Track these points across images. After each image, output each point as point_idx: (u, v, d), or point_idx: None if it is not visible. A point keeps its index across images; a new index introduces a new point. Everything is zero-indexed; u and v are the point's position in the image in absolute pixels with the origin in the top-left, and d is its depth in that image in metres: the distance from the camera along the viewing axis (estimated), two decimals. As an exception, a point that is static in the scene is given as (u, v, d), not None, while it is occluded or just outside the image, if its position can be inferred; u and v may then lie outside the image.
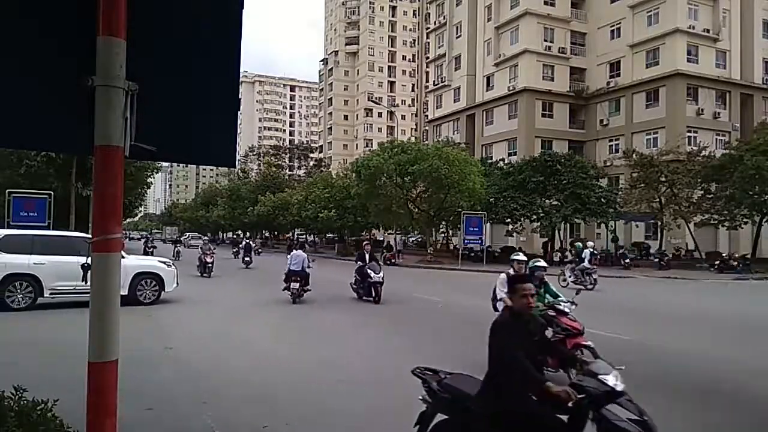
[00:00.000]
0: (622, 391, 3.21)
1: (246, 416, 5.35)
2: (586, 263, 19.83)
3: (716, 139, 38.78)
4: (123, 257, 12.58)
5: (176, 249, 34.09)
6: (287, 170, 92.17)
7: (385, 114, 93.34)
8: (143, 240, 48.55)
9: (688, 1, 39.14)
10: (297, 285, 13.87)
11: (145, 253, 29.86)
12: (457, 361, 8.14)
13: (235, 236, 72.56)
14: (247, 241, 34.44)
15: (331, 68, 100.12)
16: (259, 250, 38.63)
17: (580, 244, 24.35)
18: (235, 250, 37.63)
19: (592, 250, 21.81)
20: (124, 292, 12.55)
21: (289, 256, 14.71)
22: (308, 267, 14.39)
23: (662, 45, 39.29)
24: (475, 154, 44.19)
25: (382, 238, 52.39)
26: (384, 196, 33.23)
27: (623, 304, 15.65)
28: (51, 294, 11.78)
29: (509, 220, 34.36)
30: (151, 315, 11.44)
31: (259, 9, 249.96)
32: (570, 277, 19.71)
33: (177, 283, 13.77)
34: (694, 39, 39.15)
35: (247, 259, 27.66)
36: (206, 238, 59.21)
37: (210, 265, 21.52)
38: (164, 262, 14.01)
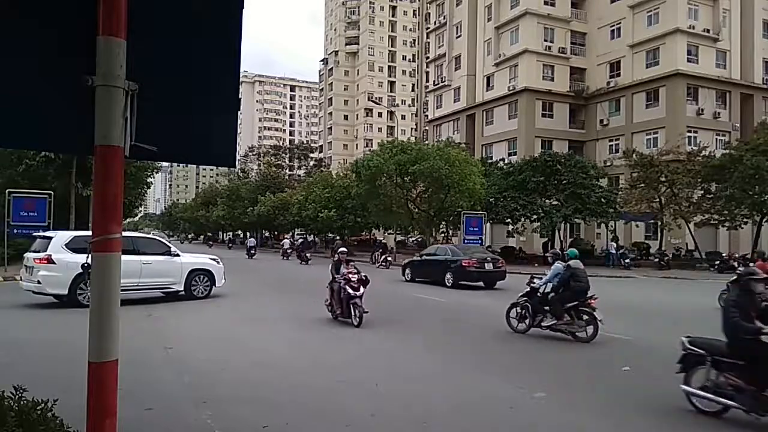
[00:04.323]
0: None
1: (246, 416, 5.35)
2: None
3: (716, 139, 38.77)
4: (178, 255, 13.65)
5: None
6: (287, 170, 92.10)
7: (385, 114, 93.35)
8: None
9: (688, 1, 39.13)
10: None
11: None
12: (466, 353, 8.17)
13: (234, 236, 72.96)
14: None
15: (331, 68, 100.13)
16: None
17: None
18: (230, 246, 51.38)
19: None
20: (180, 287, 13.68)
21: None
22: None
23: (662, 45, 39.28)
24: (475, 154, 44.15)
25: (382, 238, 52.39)
26: (384, 196, 33.20)
27: (623, 303, 15.62)
28: None
29: (509, 220, 34.34)
30: (151, 315, 11.45)
31: (259, 7, 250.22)
32: None
33: (224, 279, 14.59)
34: (694, 39, 39.14)
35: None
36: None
37: None
38: (214, 259, 14.93)
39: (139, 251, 12.96)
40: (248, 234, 66.13)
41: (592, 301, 9.47)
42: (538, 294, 9.91)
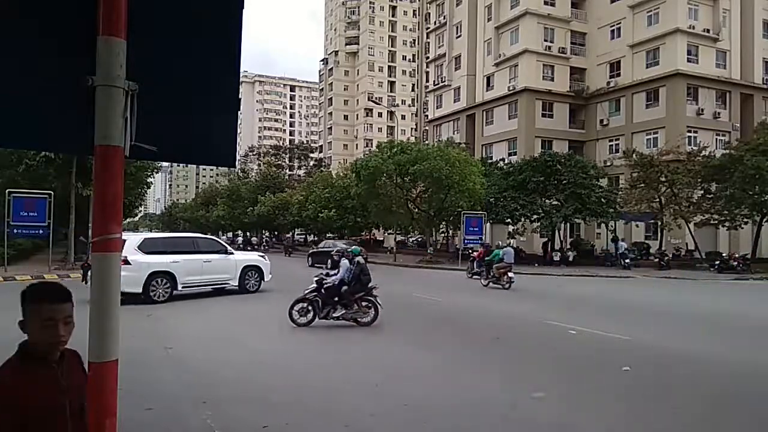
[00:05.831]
0: None
1: (246, 416, 5.35)
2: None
3: (716, 139, 38.74)
4: (232, 253, 14.84)
5: None
6: (287, 170, 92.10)
7: (385, 114, 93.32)
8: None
9: (688, 1, 39.10)
10: None
11: None
12: (461, 352, 8.19)
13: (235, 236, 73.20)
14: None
15: (331, 68, 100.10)
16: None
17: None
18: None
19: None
20: (235, 283, 14.78)
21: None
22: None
23: (662, 45, 39.26)
24: (475, 154, 44.13)
25: (382, 238, 52.37)
26: (384, 196, 33.21)
27: (623, 303, 15.64)
28: (183, 287, 13.42)
29: (509, 220, 34.32)
30: (151, 315, 11.45)
31: (259, 7, 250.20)
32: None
33: (270, 274, 15.88)
34: (694, 39, 39.11)
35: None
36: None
37: None
38: (262, 256, 16.40)
39: (200, 251, 14.04)
40: (248, 234, 66.48)
41: (375, 290, 10.94)
42: (323, 290, 10.79)
